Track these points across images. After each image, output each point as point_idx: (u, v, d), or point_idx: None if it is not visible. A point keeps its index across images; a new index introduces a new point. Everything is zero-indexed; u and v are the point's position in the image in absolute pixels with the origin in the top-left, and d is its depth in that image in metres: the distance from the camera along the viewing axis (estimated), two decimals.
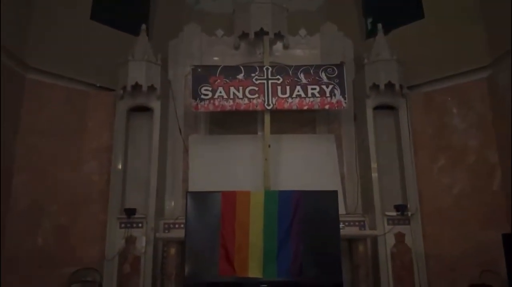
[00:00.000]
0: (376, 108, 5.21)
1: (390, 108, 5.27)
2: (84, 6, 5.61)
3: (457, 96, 5.19)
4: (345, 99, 5.09)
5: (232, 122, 5.52)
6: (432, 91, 5.38)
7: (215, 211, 3.52)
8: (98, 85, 5.44)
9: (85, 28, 5.52)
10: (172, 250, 4.43)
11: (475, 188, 4.82)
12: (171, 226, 4.95)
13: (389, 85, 5.07)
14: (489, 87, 4.95)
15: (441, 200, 4.91)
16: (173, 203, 5.22)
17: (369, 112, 5.12)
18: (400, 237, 4.73)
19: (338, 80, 5.14)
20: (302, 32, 5.91)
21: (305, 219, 3.54)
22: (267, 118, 5.08)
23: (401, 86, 5.10)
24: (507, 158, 4.62)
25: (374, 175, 4.90)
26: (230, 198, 3.53)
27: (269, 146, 5.05)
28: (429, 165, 5.08)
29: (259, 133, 5.45)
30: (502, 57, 4.72)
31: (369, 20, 6.40)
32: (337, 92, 5.11)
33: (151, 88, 5.09)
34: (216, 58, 5.70)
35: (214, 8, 6.61)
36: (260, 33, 5.57)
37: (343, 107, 5.11)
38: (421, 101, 5.40)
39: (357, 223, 4.89)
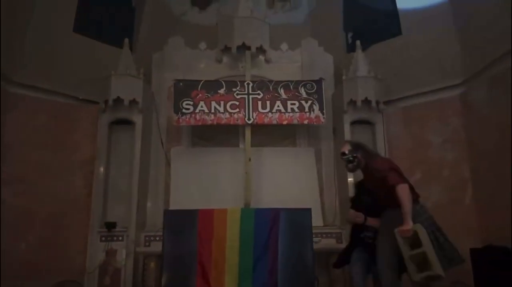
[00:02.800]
0: (354, 122, 5.34)
1: (368, 123, 5.40)
2: (67, 18, 5.64)
3: (433, 111, 5.35)
4: (323, 114, 5.22)
5: (214, 135, 5.61)
6: (409, 106, 5.53)
7: (192, 228, 3.60)
8: (80, 97, 5.48)
9: (68, 41, 5.55)
10: (152, 264, 4.51)
11: (449, 201, 4.97)
12: (152, 238, 5.01)
13: (366, 101, 5.21)
14: (463, 103, 5.11)
15: None
16: (154, 215, 5.27)
17: (347, 127, 5.25)
18: None
19: (317, 96, 5.27)
20: (284, 46, 6.04)
21: (281, 236, 3.63)
22: (247, 133, 5.19)
23: (377, 102, 5.24)
24: (479, 173, 4.79)
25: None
26: (207, 215, 3.61)
27: (250, 159, 5.15)
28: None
29: (241, 145, 5.54)
30: (475, 75, 4.89)
31: (350, 34, 6.53)
32: (316, 107, 5.23)
33: (133, 102, 5.16)
34: (199, 72, 5.78)
35: (200, 20, 6.68)
36: (243, 47, 5.68)
37: (322, 122, 5.24)
38: (398, 116, 5.55)
39: (334, 235, 5.00)
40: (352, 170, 3.52)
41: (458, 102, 5.15)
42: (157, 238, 4.98)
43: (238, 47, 5.68)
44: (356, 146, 3.46)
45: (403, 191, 3.05)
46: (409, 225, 2.96)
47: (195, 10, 6.74)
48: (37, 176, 4.99)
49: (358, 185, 3.88)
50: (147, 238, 5.00)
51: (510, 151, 4.24)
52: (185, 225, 3.62)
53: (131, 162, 5.16)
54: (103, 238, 4.80)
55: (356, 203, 3.70)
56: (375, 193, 3.37)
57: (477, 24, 4.88)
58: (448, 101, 5.23)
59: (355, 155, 3.39)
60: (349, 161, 3.42)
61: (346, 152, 3.42)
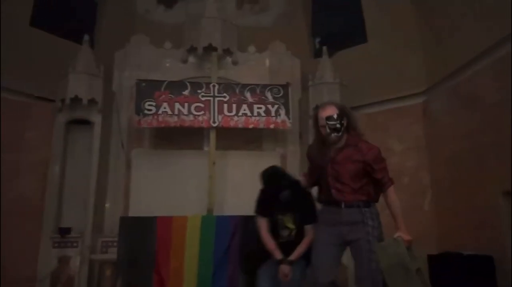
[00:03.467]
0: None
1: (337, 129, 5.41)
2: (23, 12, 5.33)
3: (395, 119, 5.44)
4: (289, 119, 5.19)
5: (178, 137, 5.44)
6: (374, 113, 5.61)
7: (150, 236, 3.46)
8: (35, 95, 5.19)
9: (24, 35, 5.24)
10: (108, 271, 4.31)
11: (410, 207, 5.03)
12: (110, 244, 4.80)
13: None
14: (424, 112, 5.23)
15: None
16: (113, 220, 5.05)
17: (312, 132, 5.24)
18: None
19: (283, 101, 5.24)
20: (251, 49, 5.96)
21: (242, 243, 3.56)
22: (212, 136, 5.08)
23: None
24: (438, 180, 4.91)
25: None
26: (166, 223, 3.49)
27: (214, 163, 5.04)
28: None
29: (205, 148, 5.42)
30: (436, 85, 5.01)
31: (317, 39, 6.56)
32: (282, 112, 5.20)
33: (92, 101, 4.94)
34: (163, 71, 5.60)
35: (165, 18, 6.51)
36: (209, 48, 5.56)
37: (288, 127, 5.21)
38: (363, 122, 5.57)
39: None
40: (334, 142, 2.55)
41: (419, 111, 5.27)
42: (115, 244, 4.77)
43: (205, 48, 5.56)
44: (344, 111, 2.59)
45: (396, 197, 2.57)
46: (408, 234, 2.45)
47: (160, 8, 6.56)
48: None
49: (271, 177, 3.10)
50: (104, 244, 4.80)
51: (467, 159, 4.37)
52: (142, 233, 3.48)
53: (89, 164, 4.94)
54: (56, 244, 4.56)
55: (266, 203, 3.06)
56: (334, 181, 2.55)
57: (439, 36, 5.00)
58: (410, 109, 5.34)
59: (343, 122, 2.53)
60: (335, 129, 2.49)
61: (335, 116, 2.50)
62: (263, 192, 3.10)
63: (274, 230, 3.01)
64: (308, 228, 2.91)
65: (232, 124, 5.12)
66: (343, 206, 2.52)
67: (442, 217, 4.77)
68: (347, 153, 2.54)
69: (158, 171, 5.24)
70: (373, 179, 2.55)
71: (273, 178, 3.04)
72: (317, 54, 6.35)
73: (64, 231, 4.51)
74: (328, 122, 2.51)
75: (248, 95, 5.22)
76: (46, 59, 5.25)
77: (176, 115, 5.02)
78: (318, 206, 2.84)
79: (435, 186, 4.98)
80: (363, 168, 2.51)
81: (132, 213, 4.86)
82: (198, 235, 3.46)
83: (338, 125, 2.51)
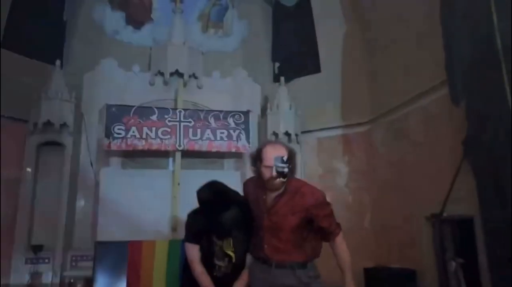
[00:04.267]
0: None
1: None
2: None
3: (342, 144, 6.12)
4: (249, 143, 5.74)
5: (144, 156, 5.85)
6: (323, 137, 6.26)
7: (122, 258, 3.89)
8: (6, 115, 5.39)
9: None
10: (79, 286, 4.68)
11: (351, 224, 5.75)
12: (79, 258, 5.16)
13: (287, 133, 5.83)
14: (366, 140, 5.94)
15: None
16: (81, 237, 5.39)
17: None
18: None
19: (244, 126, 5.77)
20: (216, 74, 6.42)
21: None
22: (178, 159, 5.53)
23: (296, 135, 5.89)
24: (376, 201, 5.65)
25: None
26: (136, 247, 3.92)
27: (179, 184, 5.50)
28: None
29: (170, 168, 5.85)
30: (376, 118, 5.72)
31: (277, 65, 7.13)
32: (243, 137, 5.74)
33: (64, 125, 5.23)
34: (131, 94, 5.95)
35: (133, 40, 6.81)
36: (176, 73, 5.98)
37: (247, 151, 5.75)
38: (314, 145, 6.26)
39: None
40: (277, 188, 2.29)
41: (362, 138, 5.97)
42: (84, 258, 5.16)
43: (171, 73, 5.97)
44: (291, 154, 2.33)
45: (345, 245, 2.30)
46: None
47: (129, 29, 6.85)
48: None
49: (211, 193, 2.54)
50: (73, 258, 5.14)
51: (398, 185, 5.12)
52: (115, 256, 3.90)
53: (60, 183, 5.24)
54: (29, 261, 4.86)
55: (201, 226, 2.50)
56: (270, 235, 2.29)
57: (382, 74, 5.69)
58: (354, 137, 6.03)
59: (290, 166, 2.25)
60: (282, 174, 2.21)
61: (285, 158, 2.22)
62: (197, 214, 2.53)
63: (209, 261, 2.48)
64: (250, 258, 2.47)
65: (196, 147, 5.60)
66: (273, 266, 2.23)
67: (378, 234, 5.51)
68: (287, 201, 2.24)
69: (125, 189, 5.60)
70: (316, 229, 2.27)
71: (215, 195, 2.47)
72: (276, 78, 6.92)
73: (36, 249, 4.82)
74: (276, 163, 2.18)
75: (212, 120, 5.71)
76: (17, 79, 5.46)
77: (144, 139, 5.43)
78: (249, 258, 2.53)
79: (373, 206, 5.71)
80: (306, 218, 2.21)
81: (101, 229, 5.22)
82: (166, 259, 3.90)
83: (286, 170, 2.18)
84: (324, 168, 6.14)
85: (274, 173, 2.22)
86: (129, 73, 6.11)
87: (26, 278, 4.81)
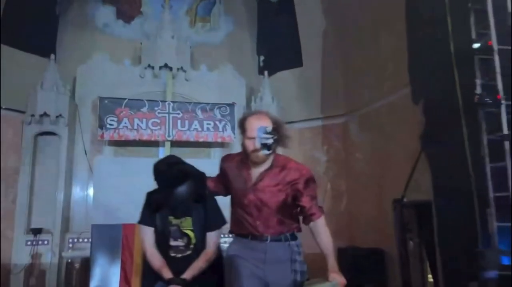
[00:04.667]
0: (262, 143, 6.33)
1: None
2: None
3: (321, 134, 6.57)
4: (234, 134, 6.14)
5: (136, 146, 6.21)
6: (304, 128, 6.69)
7: (117, 239, 4.31)
8: (4, 107, 5.69)
9: None
10: (77, 265, 5.09)
11: (329, 209, 6.24)
12: (76, 241, 5.56)
13: None
14: (343, 131, 6.39)
15: None
16: (78, 218, 5.78)
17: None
18: None
19: (229, 118, 6.16)
20: (203, 68, 6.76)
21: None
22: (167, 148, 5.92)
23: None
24: (350, 187, 6.13)
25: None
26: (129, 229, 4.34)
27: None
28: None
29: (160, 156, 6.22)
30: (351, 111, 6.17)
31: (262, 58, 7.48)
32: (228, 128, 6.13)
33: (59, 116, 5.56)
34: (123, 86, 6.27)
35: (124, 33, 7.08)
36: (165, 67, 6.32)
37: (232, 141, 6.15)
38: (295, 136, 6.67)
39: None
40: (261, 161, 2.14)
41: (339, 130, 6.42)
42: (80, 240, 5.56)
43: (161, 67, 6.31)
44: (278, 124, 2.15)
45: (327, 230, 2.19)
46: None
47: (119, 23, 7.11)
48: None
49: (165, 168, 2.33)
50: (70, 240, 5.54)
51: (370, 172, 5.59)
52: (110, 237, 4.32)
53: (56, 170, 5.59)
54: (29, 243, 5.25)
55: (155, 206, 2.35)
56: (257, 211, 2.15)
57: (357, 71, 6.10)
58: (332, 128, 6.48)
59: (276, 137, 2.08)
60: (267, 146, 2.05)
61: (269, 129, 2.05)
62: (152, 194, 2.40)
63: (164, 242, 2.30)
64: (212, 236, 2.32)
65: (184, 137, 5.98)
66: (268, 240, 2.11)
67: (352, 218, 6.01)
68: (273, 177, 2.12)
69: (118, 176, 5.98)
70: (298, 209, 2.18)
71: (169, 170, 2.25)
72: (261, 71, 7.29)
73: (36, 231, 5.21)
74: (259, 135, 2.01)
75: (199, 112, 6.09)
76: (12, 72, 5.74)
77: (135, 129, 5.80)
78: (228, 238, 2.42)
79: (349, 193, 6.19)
80: (291, 194, 2.12)
81: (96, 213, 5.61)
82: None
83: (270, 141, 2.01)
84: (304, 157, 6.56)
85: (257, 145, 2.02)
86: (120, 66, 6.41)
87: (27, 259, 5.20)
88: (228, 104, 6.25)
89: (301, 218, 2.24)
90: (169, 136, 5.91)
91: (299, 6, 7.02)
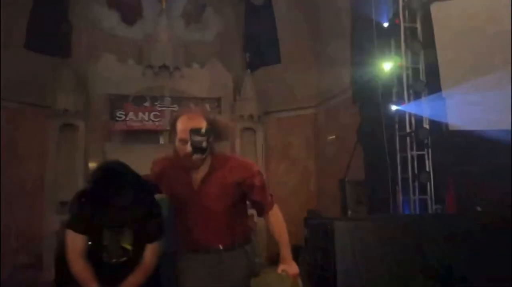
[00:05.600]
0: (244, 129, 7.61)
1: (252, 129, 7.73)
2: (18, 36, 6.91)
3: (296, 123, 7.79)
4: None
5: (140, 134, 7.48)
6: (281, 117, 7.92)
7: None
8: (29, 102, 6.93)
9: (19, 55, 6.87)
10: None
11: (300, 186, 7.55)
12: None
13: (251, 116, 7.48)
14: (313, 120, 7.61)
15: (280, 192, 7.57)
16: None
17: (238, 132, 7.51)
18: None
19: (217, 110, 7.38)
20: (196, 65, 7.93)
21: None
22: (166, 136, 7.18)
23: (259, 117, 7.54)
24: (320, 168, 7.40)
25: None
26: None
27: None
28: (275, 169, 7.69)
29: (161, 142, 7.50)
30: (320, 103, 7.37)
31: (247, 55, 8.60)
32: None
33: (77, 111, 6.82)
34: (128, 82, 7.46)
35: (128, 34, 8.19)
36: (163, 66, 7.50)
37: None
38: (274, 124, 7.93)
39: None
40: (197, 166, 1.92)
41: (311, 119, 7.64)
42: None
43: (159, 66, 7.49)
44: (214, 124, 1.94)
45: (281, 218, 2.05)
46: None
47: (123, 25, 8.22)
48: None
49: (106, 173, 2.06)
50: None
51: (330, 155, 6.85)
52: None
53: (76, 156, 6.90)
54: (58, 213, 6.61)
55: (89, 212, 1.97)
56: (205, 220, 1.95)
57: (325, 66, 7.25)
58: (305, 117, 7.69)
59: (210, 140, 1.89)
60: (200, 150, 1.86)
61: (203, 130, 1.86)
62: (87, 196, 2.04)
63: (94, 254, 2.01)
64: (150, 249, 2.04)
65: None
66: (222, 251, 1.95)
67: (318, 194, 7.32)
68: (216, 180, 1.93)
69: (125, 160, 7.23)
70: (251, 203, 2.04)
71: (110, 175, 2.04)
72: (247, 66, 8.43)
73: (63, 204, 6.55)
74: (192, 137, 1.84)
75: (192, 106, 7.30)
76: (35, 73, 6.94)
77: (139, 121, 7.05)
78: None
79: (317, 173, 7.48)
80: (239, 194, 1.97)
81: None
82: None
83: (204, 144, 1.85)
84: (282, 142, 7.84)
85: (189, 149, 1.83)
86: (125, 66, 7.59)
87: (57, 225, 6.56)
88: (216, 98, 7.47)
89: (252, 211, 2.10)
90: (167, 126, 7.16)
91: (277, 8, 8.10)
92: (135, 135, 7.39)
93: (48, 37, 7.35)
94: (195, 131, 1.83)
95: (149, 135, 7.41)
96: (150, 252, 2.03)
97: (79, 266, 1.95)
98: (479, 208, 3.65)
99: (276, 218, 2.04)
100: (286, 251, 2.00)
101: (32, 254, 6.63)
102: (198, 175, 1.95)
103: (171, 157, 2.02)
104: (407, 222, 3.71)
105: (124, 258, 2.00)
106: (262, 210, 2.04)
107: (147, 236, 2.02)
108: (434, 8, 4.81)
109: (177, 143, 1.90)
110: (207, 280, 1.93)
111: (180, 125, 1.89)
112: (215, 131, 1.91)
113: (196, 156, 1.85)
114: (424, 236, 3.30)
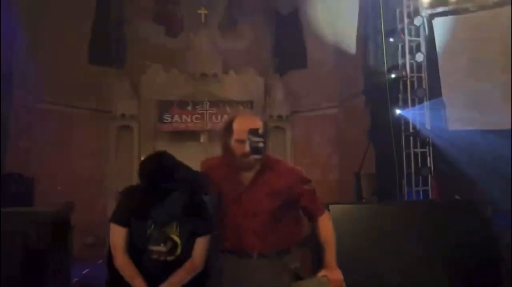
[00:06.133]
0: (274, 128, 8.58)
1: (281, 128, 8.68)
2: (82, 52, 8.21)
3: (322, 120, 8.65)
4: None
5: (184, 134, 8.62)
6: (308, 116, 8.81)
7: None
8: (93, 108, 8.23)
9: (81, 69, 8.17)
10: None
11: (322, 180, 8.39)
12: None
13: (280, 116, 8.43)
14: (337, 118, 8.44)
15: None
16: None
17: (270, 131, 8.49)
18: None
19: (250, 111, 8.36)
20: (231, 71, 8.96)
21: None
22: (205, 135, 8.28)
23: (287, 116, 8.48)
24: (343, 161, 8.24)
25: None
26: None
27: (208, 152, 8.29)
28: (300, 163, 8.54)
29: (201, 140, 8.61)
30: (341, 103, 8.19)
31: (277, 59, 9.54)
32: None
33: (132, 115, 8.05)
34: (173, 89, 8.62)
35: (172, 45, 9.32)
36: (203, 74, 8.60)
37: None
38: (300, 123, 8.83)
39: None
40: (251, 166, 1.94)
41: (333, 118, 8.48)
42: None
43: (200, 74, 8.59)
44: (267, 127, 1.98)
45: (331, 225, 2.05)
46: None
47: (168, 38, 9.37)
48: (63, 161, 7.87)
49: (158, 167, 2.00)
50: None
51: (353, 152, 7.67)
52: None
53: (131, 152, 8.15)
54: (116, 201, 7.89)
55: (136, 206, 1.92)
56: (249, 220, 1.93)
57: (344, 68, 8.04)
58: (328, 116, 8.54)
59: (266, 141, 1.90)
60: (257, 150, 1.86)
61: (260, 131, 1.87)
62: (134, 190, 2.07)
63: (141, 247, 1.94)
64: (200, 243, 1.97)
65: (217, 128, 8.30)
66: (255, 256, 1.93)
67: (339, 186, 8.17)
68: (266, 182, 1.95)
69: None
70: (299, 209, 2.03)
71: (162, 168, 2.00)
72: (276, 71, 9.37)
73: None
74: (250, 137, 1.85)
75: (227, 108, 8.35)
76: (98, 83, 8.23)
77: (183, 123, 8.19)
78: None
79: (339, 166, 8.33)
80: (288, 199, 1.96)
81: None
82: None
83: (261, 145, 1.86)
84: (307, 140, 8.73)
85: (247, 149, 1.86)
86: (170, 74, 8.75)
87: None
88: (249, 101, 8.47)
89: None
90: (206, 126, 8.26)
91: (303, 17, 8.95)
92: (179, 135, 8.55)
93: (106, 51, 8.63)
94: (253, 132, 1.84)
95: (191, 134, 8.54)
96: (200, 246, 1.96)
97: (124, 262, 1.91)
98: (457, 197, 4.41)
99: (325, 224, 2.04)
100: (330, 257, 1.99)
101: (96, 236, 7.98)
102: (248, 176, 1.97)
103: (221, 157, 2.04)
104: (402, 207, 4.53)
105: (172, 256, 1.91)
106: (312, 216, 2.04)
107: (197, 229, 1.97)
108: (436, 23, 5.52)
109: (233, 143, 1.91)
110: (239, 285, 1.92)
111: (237, 126, 1.92)
112: (267, 133, 1.93)
113: (253, 157, 1.87)
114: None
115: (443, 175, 5.08)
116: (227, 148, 1.93)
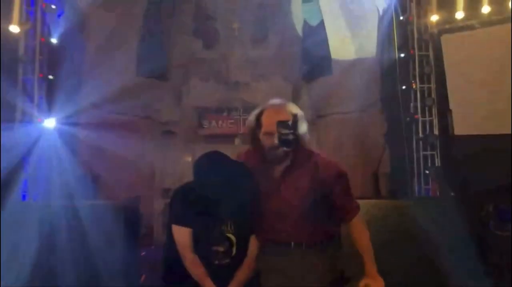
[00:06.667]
0: None
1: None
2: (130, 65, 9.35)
3: (345, 125, 9.36)
4: None
5: (220, 137, 9.60)
6: (333, 120, 9.55)
7: None
8: (140, 116, 9.36)
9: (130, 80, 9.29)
10: None
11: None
12: None
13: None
14: (360, 122, 9.13)
15: None
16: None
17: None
18: None
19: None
20: (261, 79, 9.84)
21: None
22: (239, 139, 9.23)
23: (313, 120, 9.26)
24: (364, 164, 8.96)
25: None
26: None
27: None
28: None
29: (236, 143, 9.56)
30: (366, 108, 8.89)
31: (304, 67, 10.32)
32: None
33: (176, 121, 9.14)
34: (210, 97, 9.61)
35: (209, 55, 10.30)
36: (236, 83, 9.55)
37: None
38: (326, 126, 9.58)
39: None
40: (280, 159, 1.96)
41: (357, 121, 9.17)
42: None
43: (233, 82, 9.55)
44: (300, 118, 2.00)
45: (365, 227, 1.98)
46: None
47: (204, 50, 10.37)
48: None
49: (214, 167, 2.12)
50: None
51: (372, 153, 8.37)
52: None
53: (174, 154, 9.24)
54: (163, 196, 8.97)
55: (196, 206, 2.03)
56: (283, 216, 1.93)
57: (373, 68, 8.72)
58: (353, 120, 9.24)
59: (297, 133, 1.91)
60: (287, 143, 1.88)
61: (290, 123, 1.89)
62: (190, 190, 2.08)
63: (203, 247, 2.01)
64: (254, 240, 2.03)
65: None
66: (303, 246, 1.88)
67: (363, 185, 8.88)
68: (299, 175, 1.91)
69: None
70: (334, 207, 1.96)
71: (218, 169, 2.05)
72: (304, 78, 10.15)
73: (166, 190, 8.92)
74: (279, 130, 1.83)
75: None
76: (146, 94, 9.34)
77: (220, 127, 9.18)
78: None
79: (362, 165, 9.03)
80: (321, 193, 1.91)
81: None
82: None
83: (290, 137, 1.84)
84: (332, 142, 9.46)
85: (276, 142, 1.83)
86: (207, 83, 9.75)
87: (161, 207, 8.95)
88: None
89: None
90: (240, 130, 9.21)
91: (329, 27, 9.68)
92: (216, 138, 9.56)
93: (152, 64, 9.73)
94: (282, 124, 1.82)
95: (227, 138, 9.52)
96: (254, 243, 1.97)
97: (192, 260, 1.94)
98: (452, 194, 5.08)
99: (360, 227, 1.95)
100: (370, 264, 1.89)
101: (146, 227, 9.12)
102: (280, 168, 1.94)
103: (252, 150, 2.05)
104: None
105: (228, 259, 1.93)
106: (345, 216, 1.95)
107: (252, 227, 1.95)
108: (444, 39, 6.14)
109: (262, 136, 1.89)
110: (279, 276, 1.87)
111: (266, 118, 1.91)
112: (301, 125, 1.91)
113: (282, 149, 1.84)
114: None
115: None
116: (257, 141, 1.96)
